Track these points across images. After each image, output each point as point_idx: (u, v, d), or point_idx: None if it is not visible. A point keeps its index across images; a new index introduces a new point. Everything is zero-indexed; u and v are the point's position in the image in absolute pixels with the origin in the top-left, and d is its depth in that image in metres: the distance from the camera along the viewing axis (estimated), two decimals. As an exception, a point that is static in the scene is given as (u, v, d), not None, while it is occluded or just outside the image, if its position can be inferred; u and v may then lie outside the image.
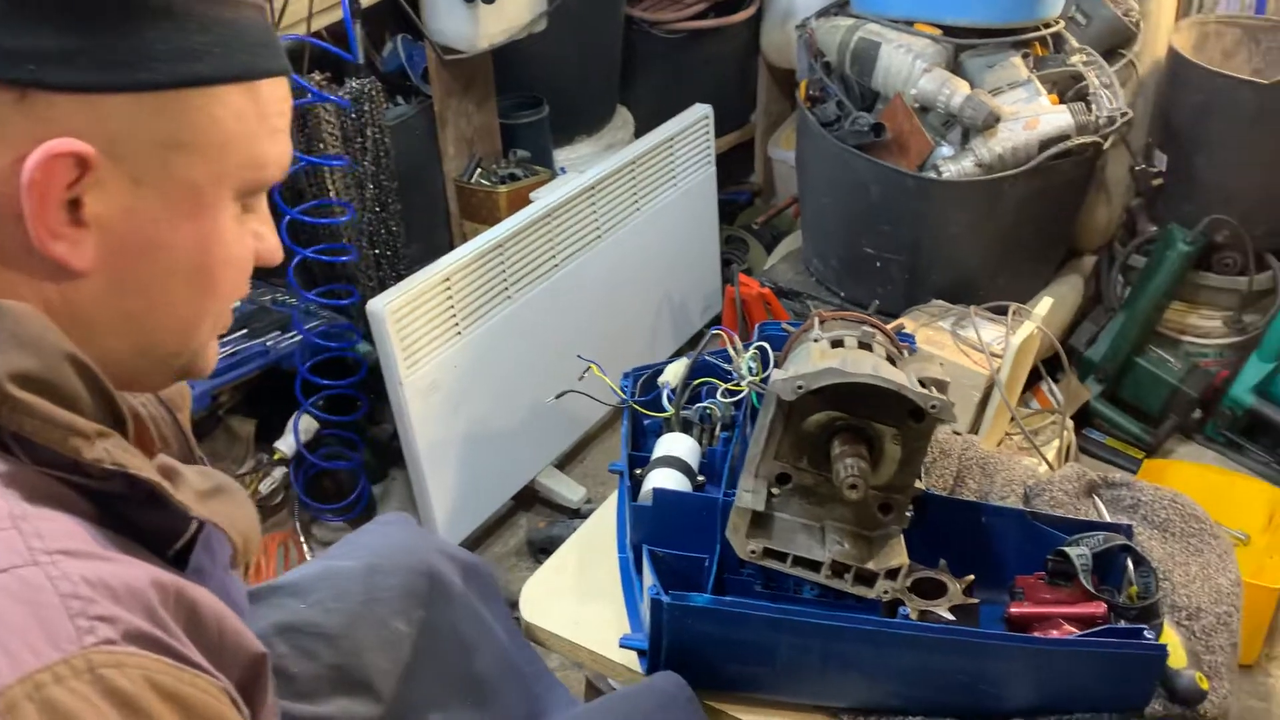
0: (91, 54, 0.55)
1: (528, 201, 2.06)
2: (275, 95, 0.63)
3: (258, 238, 0.68)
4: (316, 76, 1.78)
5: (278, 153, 0.65)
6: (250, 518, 0.66)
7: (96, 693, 0.47)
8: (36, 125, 0.55)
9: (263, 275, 2.09)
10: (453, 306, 1.81)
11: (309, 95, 1.66)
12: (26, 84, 0.55)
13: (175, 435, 0.73)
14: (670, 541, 1.11)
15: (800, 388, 0.94)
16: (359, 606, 0.99)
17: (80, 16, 0.55)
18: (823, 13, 2.13)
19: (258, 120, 0.62)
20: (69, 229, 0.57)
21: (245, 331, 1.89)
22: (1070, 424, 1.93)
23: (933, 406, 0.92)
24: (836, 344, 1.07)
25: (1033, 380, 1.97)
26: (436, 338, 1.79)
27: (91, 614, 0.48)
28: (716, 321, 2.56)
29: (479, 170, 2.16)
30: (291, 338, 1.86)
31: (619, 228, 2.18)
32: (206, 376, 0.70)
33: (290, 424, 2.01)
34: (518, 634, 1.13)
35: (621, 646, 1.05)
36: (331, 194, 1.84)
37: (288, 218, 1.70)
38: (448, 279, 1.79)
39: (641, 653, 1.03)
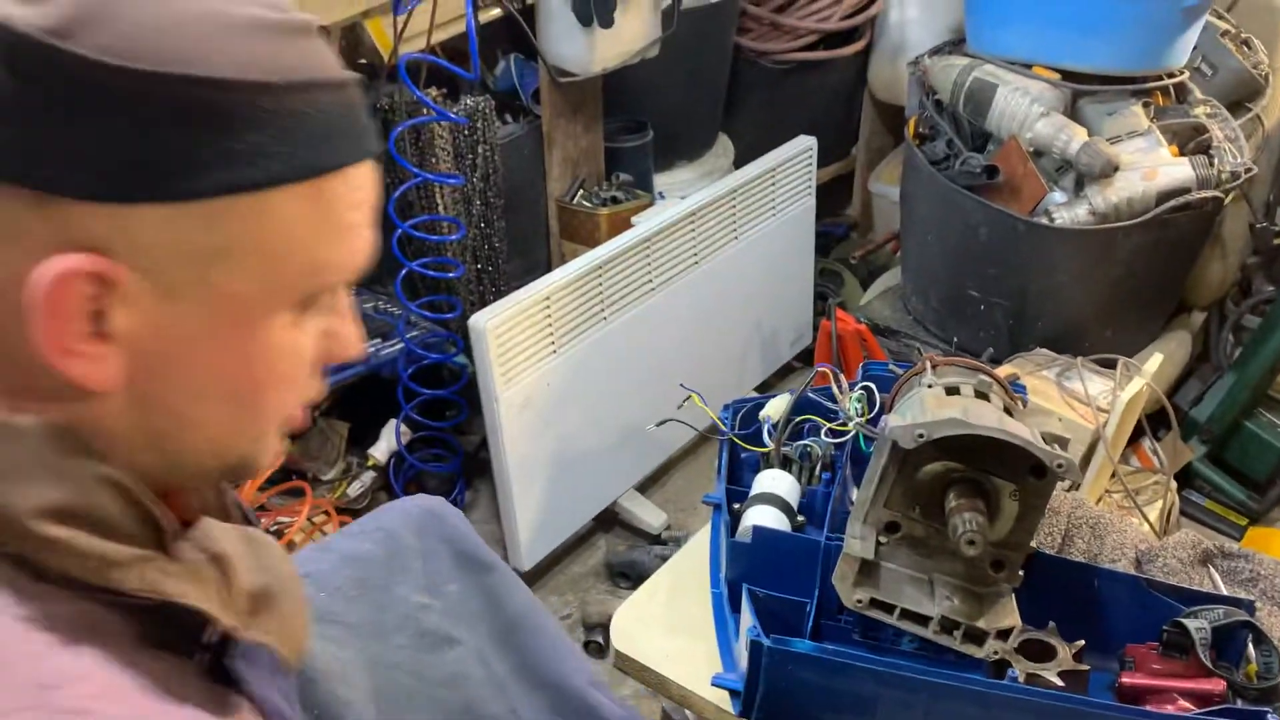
0: (119, 160, 0.48)
1: (627, 225, 2.07)
2: (347, 188, 0.55)
3: (328, 337, 0.59)
4: (434, 92, 1.81)
5: (347, 252, 0.56)
6: (298, 616, 0.61)
7: None
8: (57, 233, 0.48)
9: (367, 284, 2.13)
10: (550, 326, 1.82)
11: (431, 113, 1.69)
12: (46, 189, 0.48)
13: (216, 494, 0.67)
14: (767, 581, 1.10)
15: (921, 436, 0.92)
16: (379, 593, 0.96)
17: (102, 117, 0.47)
18: (937, 50, 2.11)
19: (320, 221, 0.54)
20: (89, 345, 0.50)
21: (347, 337, 1.93)
22: (1174, 485, 1.86)
23: (1059, 465, 0.89)
24: (952, 391, 1.05)
25: (1135, 437, 1.91)
26: (533, 355, 1.80)
27: None
28: (806, 354, 2.53)
29: (581, 191, 2.18)
30: (393, 345, 1.89)
31: (716, 255, 2.17)
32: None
33: (386, 429, 2.05)
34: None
35: (714, 685, 1.04)
36: (440, 209, 1.86)
37: (399, 231, 1.73)
38: (548, 298, 1.80)
39: (735, 693, 1.02)
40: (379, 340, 1.91)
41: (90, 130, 0.47)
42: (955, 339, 2.08)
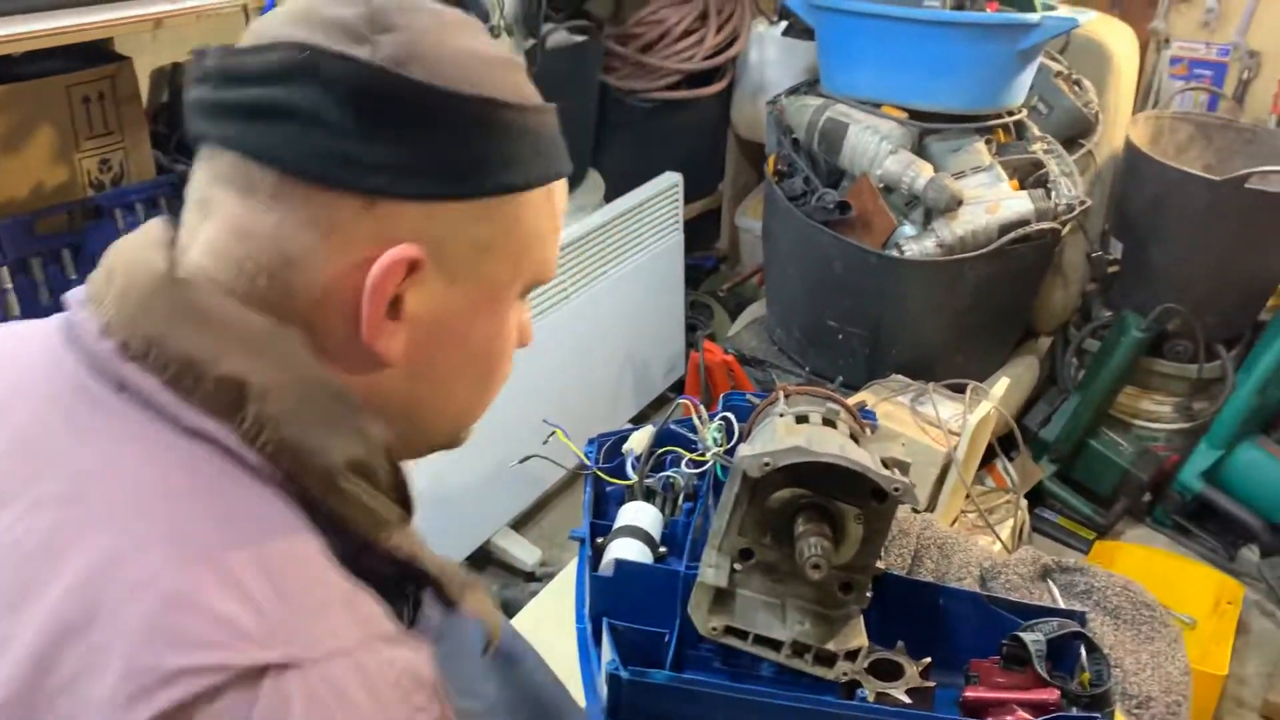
0: (436, 166, 0.59)
1: (496, 261, 2.07)
2: (560, 195, 0.67)
3: (521, 326, 0.71)
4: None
5: (554, 250, 0.69)
6: (491, 602, 0.66)
7: None
8: (379, 229, 0.58)
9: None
10: (417, 363, 1.80)
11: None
12: (376, 193, 0.58)
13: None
14: (630, 614, 1.10)
15: (766, 465, 0.94)
16: None
17: (428, 131, 0.58)
18: (793, 90, 2.19)
19: (547, 221, 0.66)
20: (387, 323, 0.60)
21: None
22: (1024, 503, 1.95)
23: (896, 489, 0.93)
24: (801, 420, 1.09)
25: (988, 458, 2.00)
26: (399, 394, 1.78)
27: (414, 704, 0.52)
28: (679, 385, 2.57)
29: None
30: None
31: (586, 289, 2.19)
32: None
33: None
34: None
35: (576, 720, 1.04)
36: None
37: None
38: (414, 336, 1.78)
39: (597, 727, 1.02)
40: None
41: (419, 142, 0.58)
42: (810, 368, 2.15)
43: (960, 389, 1.84)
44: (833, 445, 0.97)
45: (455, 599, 0.61)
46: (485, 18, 1.85)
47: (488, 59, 0.62)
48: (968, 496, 1.77)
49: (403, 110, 0.58)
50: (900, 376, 1.95)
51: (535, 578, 2.11)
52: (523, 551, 2.13)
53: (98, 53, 1.84)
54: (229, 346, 0.56)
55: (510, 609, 1.98)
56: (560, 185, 0.67)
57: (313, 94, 0.57)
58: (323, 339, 0.60)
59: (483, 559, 2.16)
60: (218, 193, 0.60)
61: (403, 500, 0.61)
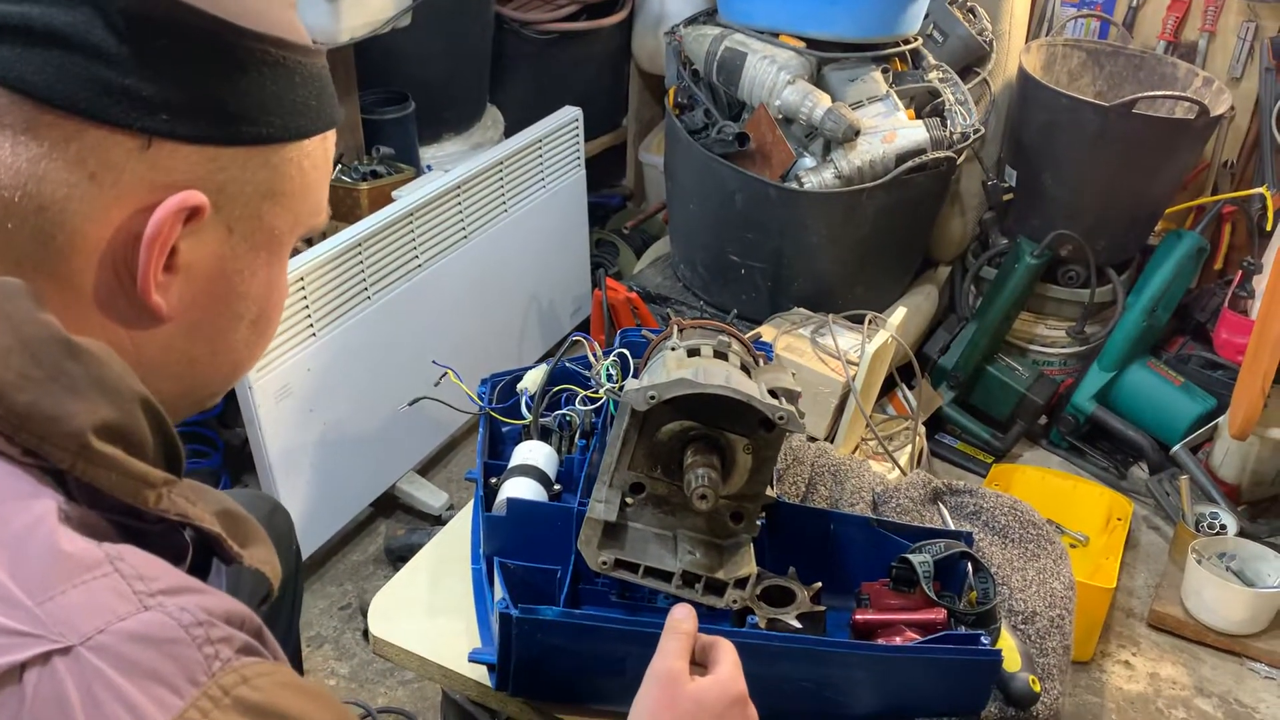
0: (222, 107, 0.55)
1: (390, 199, 2.01)
2: (332, 142, 0.65)
3: None
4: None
5: (326, 198, 0.67)
6: (274, 552, 0.64)
7: (239, 714, 0.48)
8: (154, 174, 0.54)
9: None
10: (308, 307, 1.75)
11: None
12: (155, 133, 0.54)
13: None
14: (525, 552, 1.10)
15: (653, 398, 0.93)
16: None
17: (217, 69, 0.55)
18: (691, 20, 2.15)
19: (323, 169, 0.64)
20: (163, 276, 0.57)
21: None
22: (923, 430, 1.99)
23: (780, 417, 0.92)
24: (693, 353, 1.08)
25: (889, 387, 2.02)
26: (289, 339, 1.73)
27: (213, 638, 0.49)
28: (586, 325, 2.55)
29: (339, 166, 2.10)
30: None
31: (486, 229, 2.14)
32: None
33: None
34: None
35: (470, 661, 1.03)
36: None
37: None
38: (302, 278, 1.72)
39: (491, 667, 1.01)
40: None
41: (206, 81, 0.55)
42: (714, 303, 2.14)
43: (859, 320, 1.86)
44: (719, 377, 0.96)
45: (234, 554, 0.59)
46: (367, -56, 1.77)
47: None
48: (867, 425, 1.79)
49: (190, 44, 0.54)
50: (802, 309, 1.96)
51: (442, 522, 2.09)
52: (429, 496, 2.10)
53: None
54: None
55: (416, 553, 1.96)
56: (332, 132, 0.65)
57: (82, 16, 0.51)
58: (81, 292, 0.55)
59: (389, 504, 2.13)
60: None
61: (170, 457, 0.57)
